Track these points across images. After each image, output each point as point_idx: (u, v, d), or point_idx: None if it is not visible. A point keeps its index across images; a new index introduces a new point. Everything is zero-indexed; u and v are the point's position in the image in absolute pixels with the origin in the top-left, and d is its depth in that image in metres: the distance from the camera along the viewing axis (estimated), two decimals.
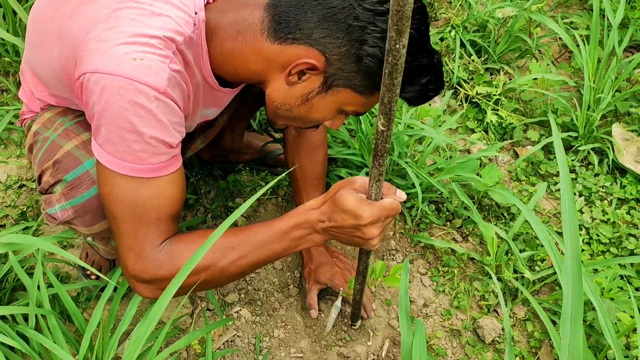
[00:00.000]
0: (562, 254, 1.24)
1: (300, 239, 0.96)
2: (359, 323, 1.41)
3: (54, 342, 1.07)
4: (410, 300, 1.49)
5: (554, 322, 1.39)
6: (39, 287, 1.13)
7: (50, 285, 1.24)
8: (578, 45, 1.97)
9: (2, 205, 1.61)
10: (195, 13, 0.92)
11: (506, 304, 1.49)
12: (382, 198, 0.89)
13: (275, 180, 0.81)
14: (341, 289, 1.35)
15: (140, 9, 0.87)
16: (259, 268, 1.02)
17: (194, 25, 0.91)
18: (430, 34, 0.98)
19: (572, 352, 0.64)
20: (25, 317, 1.16)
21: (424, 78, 0.94)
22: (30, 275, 1.24)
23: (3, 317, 1.14)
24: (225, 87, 1.07)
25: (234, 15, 0.94)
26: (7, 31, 1.89)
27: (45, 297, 1.10)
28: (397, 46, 0.60)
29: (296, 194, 1.48)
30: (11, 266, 1.28)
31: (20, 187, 1.67)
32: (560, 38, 2.28)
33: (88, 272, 1.43)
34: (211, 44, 0.95)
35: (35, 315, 1.11)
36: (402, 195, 0.92)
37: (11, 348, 1.16)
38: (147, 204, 0.91)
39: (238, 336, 1.38)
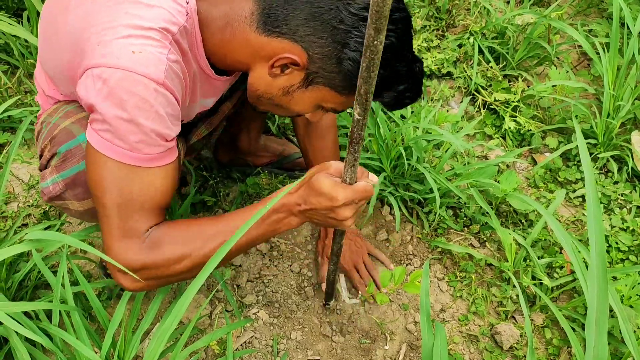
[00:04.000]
0: (584, 260, 1.24)
1: (278, 223, 0.98)
2: (332, 303, 1.44)
3: (77, 339, 1.09)
4: None
5: (573, 329, 1.38)
6: (62, 285, 1.14)
7: (72, 283, 1.26)
8: (598, 53, 1.96)
9: (25, 204, 1.64)
10: (187, 3, 0.94)
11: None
12: (356, 182, 0.92)
13: (294, 183, 0.83)
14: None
15: (134, 2, 0.90)
16: (241, 253, 1.04)
17: (187, 14, 0.94)
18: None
19: (597, 356, 0.64)
20: (48, 315, 1.18)
21: (401, 85, 0.98)
22: (53, 273, 1.26)
23: (26, 314, 1.16)
24: (221, 76, 1.09)
25: (225, 6, 0.97)
26: (31, 32, 1.93)
27: (69, 294, 1.12)
28: (375, 42, 0.63)
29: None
30: (33, 264, 1.30)
31: None
32: (579, 45, 2.28)
33: (109, 272, 1.44)
34: (204, 33, 0.98)
35: (59, 313, 1.13)
36: (374, 178, 0.95)
37: (33, 344, 1.17)
38: (136, 193, 0.92)
39: (256, 337, 1.38)
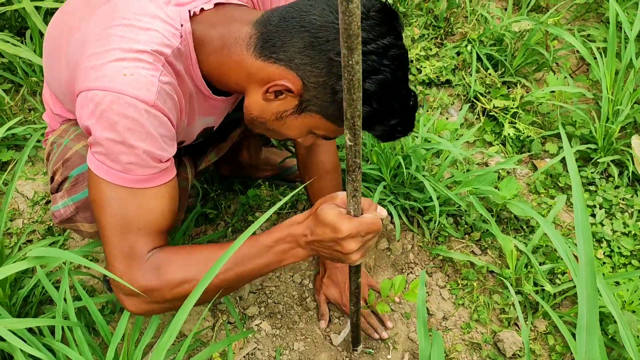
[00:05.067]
0: None
1: (284, 253, 0.97)
2: (360, 347, 1.39)
3: (80, 354, 1.10)
4: (429, 313, 1.50)
5: (575, 336, 1.38)
6: (65, 300, 1.16)
7: (76, 298, 1.27)
8: (595, 58, 1.97)
9: (29, 220, 1.66)
10: (181, 25, 0.95)
11: (527, 317, 1.48)
12: (362, 214, 0.91)
13: (292, 194, 0.83)
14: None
15: (128, 26, 0.91)
16: (246, 283, 1.03)
17: (181, 37, 0.95)
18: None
19: None
20: (52, 331, 1.19)
21: (394, 120, 0.97)
22: (57, 288, 1.28)
23: (30, 330, 1.17)
24: (219, 96, 1.10)
25: (222, 29, 0.98)
26: (34, 51, 1.96)
27: (71, 310, 1.13)
28: (351, 62, 0.62)
29: None
30: (37, 280, 1.32)
31: (47, 203, 1.71)
32: (577, 51, 2.28)
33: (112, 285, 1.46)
34: (200, 54, 0.99)
35: (62, 328, 1.14)
36: (382, 212, 0.93)
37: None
38: (131, 214, 0.93)
39: (258, 349, 1.39)
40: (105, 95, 0.86)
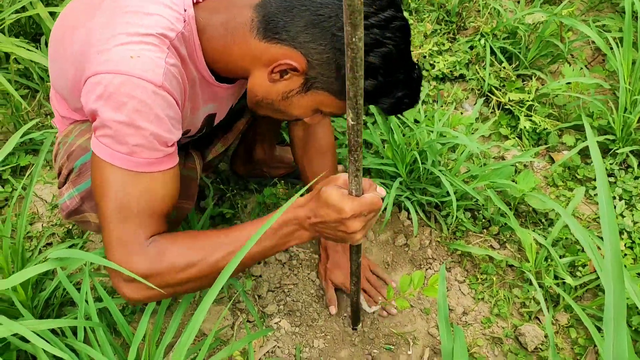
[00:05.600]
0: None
1: (289, 236, 0.98)
2: (360, 326, 1.42)
3: (103, 355, 1.11)
4: (449, 309, 1.48)
5: (598, 329, 1.36)
6: (87, 302, 1.17)
7: (96, 300, 1.28)
8: (612, 48, 1.94)
9: (48, 224, 1.67)
10: (185, 10, 0.96)
11: (548, 311, 1.46)
12: (363, 194, 0.92)
13: (306, 187, 0.83)
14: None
15: (133, 13, 0.92)
16: (249, 266, 1.03)
17: (184, 21, 0.96)
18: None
19: (617, 353, 0.63)
20: (74, 332, 1.20)
21: (400, 92, 0.99)
22: (77, 290, 1.29)
23: (52, 332, 1.18)
24: (222, 83, 1.10)
25: (224, 14, 0.99)
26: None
27: (93, 310, 1.14)
28: (354, 39, 0.62)
29: None
30: (59, 282, 1.33)
31: None
32: (592, 42, 2.26)
33: None
34: (202, 40, 1.00)
35: (84, 329, 1.15)
36: (382, 191, 0.95)
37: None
38: (135, 198, 0.92)
39: (278, 347, 1.39)
40: (114, 77, 0.86)
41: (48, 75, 2.01)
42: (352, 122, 0.75)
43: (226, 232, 0.98)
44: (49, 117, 1.97)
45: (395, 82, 0.97)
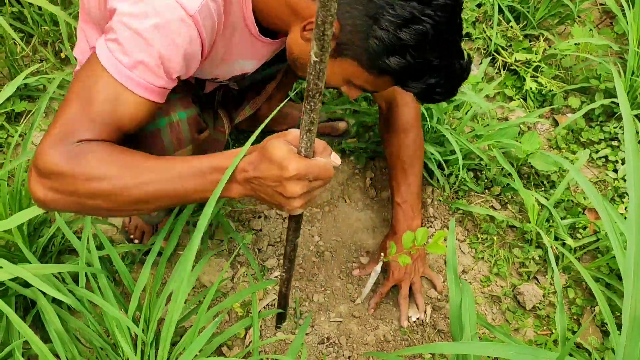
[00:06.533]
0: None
1: (216, 184, 0.84)
2: (284, 324, 1.34)
3: (105, 301, 1.10)
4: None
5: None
6: (88, 249, 1.15)
7: (97, 248, 1.27)
8: (622, 10, 1.91)
9: None
10: None
11: (547, 272, 1.47)
12: (314, 156, 0.81)
13: (253, 137, 0.78)
14: (382, 254, 1.35)
15: None
16: (165, 204, 0.87)
17: None
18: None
19: (637, 303, 0.62)
20: (74, 279, 1.19)
21: (432, 79, 0.92)
22: (77, 238, 1.27)
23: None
24: (264, 37, 1.06)
25: None
26: None
27: (95, 257, 1.13)
28: None
29: (388, 175, 1.47)
30: (56, 229, 1.31)
31: None
32: (601, 4, 2.22)
33: (131, 236, 1.45)
34: None
35: (85, 276, 1.14)
36: (337, 159, 0.84)
37: (61, 307, 1.19)
38: (104, 103, 0.85)
39: None
40: None
41: (44, 20, 1.95)
42: (315, 59, 0.61)
43: (157, 160, 0.87)
44: (44, 63, 1.91)
45: (428, 66, 0.89)
